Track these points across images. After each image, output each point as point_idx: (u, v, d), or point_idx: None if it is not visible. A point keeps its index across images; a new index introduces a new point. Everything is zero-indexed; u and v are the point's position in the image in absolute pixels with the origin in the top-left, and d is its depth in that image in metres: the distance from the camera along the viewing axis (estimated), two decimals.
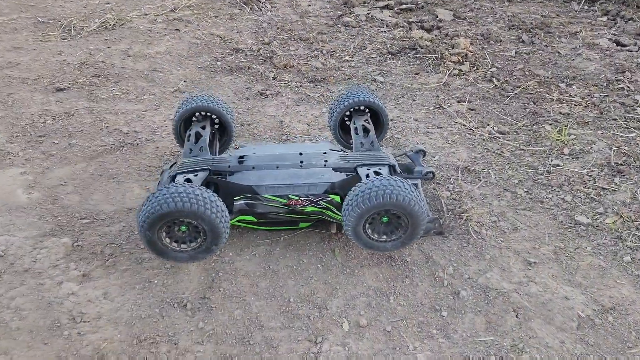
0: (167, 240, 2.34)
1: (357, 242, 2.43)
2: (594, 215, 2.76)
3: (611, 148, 3.29)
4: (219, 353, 2.15)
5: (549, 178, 3.05)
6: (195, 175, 2.57)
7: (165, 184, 2.68)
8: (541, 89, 4.15)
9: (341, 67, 4.74)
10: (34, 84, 4.41)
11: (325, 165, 2.66)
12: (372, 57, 4.90)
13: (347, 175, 2.62)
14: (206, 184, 2.61)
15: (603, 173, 3.06)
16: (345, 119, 3.08)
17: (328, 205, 2.57)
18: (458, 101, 4.05)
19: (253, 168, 2.66)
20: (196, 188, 2.27)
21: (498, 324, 2.20)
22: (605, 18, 5.54)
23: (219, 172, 2.65)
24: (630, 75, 4.25)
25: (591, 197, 2.88)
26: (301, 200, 2.55)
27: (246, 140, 3.61)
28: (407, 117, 3.83)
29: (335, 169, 2.65)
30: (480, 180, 3.09)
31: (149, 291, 2.42)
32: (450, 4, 6.13)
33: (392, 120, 3.71)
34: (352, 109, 3.02)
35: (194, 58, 5.01)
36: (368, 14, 6.01)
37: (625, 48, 4.78)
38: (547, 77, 4.34)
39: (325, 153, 2.75)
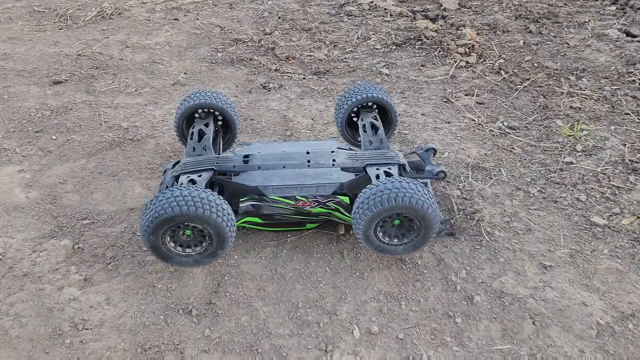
0: (172, 244, 2.26)
1: (367, 246, 2.35)
2: (610, 215, 2.68)
3: (625, 144, 3.20)
4: None
5: (562, 176, 2.97)
6: (199, 176, 2.48)
7: (168, 184, 2.60)
8: (550, 82, 4.05)
9: (345, 58, 4.63)
10: (30, 77, 4.30)
11: (333, 165, 2.58)
12: (377, 48, 4.78)
13: (355, 175, 2.53)
14: (210, 184, 2.52)
15: (617, 171, 2.97)
16: (353, 115, 2.98)
17: (337, 207, 2.49)
18: (466, 94, 3.96)
19: (259, 168, 2.57)
20: (201, 191, 2.18)
21: (514, 331, 2.13)
22: (614, 7, 5.42)
23: (223, 172, 2.56)
24: None
25: (606, 197, 2.80)
26: (309, 201, 2.47)
27: (249, 136, 3.51)
28: (414, 111, 3.74)
29: (343, 169, 2.56)
30: (492, 179, 3.00)
31: (152, 296, 2.35)
32: None
33: (399, 115, 3.60)
34: (359, 106, 2.92)
35: (193, 49, 4.90)
36: (371, 2, 5.88)
37: (635, 39, 4.67)
38: (557, 70, 4.24)
39: (333, 152, 2.66)
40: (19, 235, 2.69)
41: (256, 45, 4.95)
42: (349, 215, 2.50)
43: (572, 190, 2.87)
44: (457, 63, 4.38)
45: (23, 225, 2.75)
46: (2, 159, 3.28)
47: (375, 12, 5.64)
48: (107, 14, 5.59)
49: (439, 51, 4.59)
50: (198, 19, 5.56)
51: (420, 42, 4.77)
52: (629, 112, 3.57)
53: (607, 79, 4.07)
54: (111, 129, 3.60)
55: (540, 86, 4.01)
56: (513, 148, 3.27)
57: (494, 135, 3.42)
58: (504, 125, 3.50)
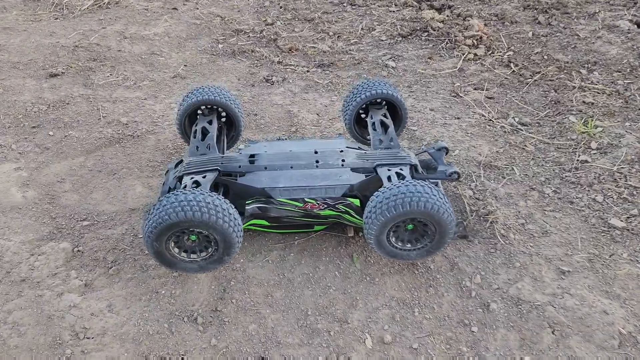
0: (176, 250, 2.17)
1: (379, 251, 2.26)
2: (628, 217, 2.60)
3: None
4: None
5: (578, 175, 2.88)
6: (204, 177, 2.38)
7: (171, 185, 2.50)
8: (561, 75, 3.95)
9: (349, 50, 4.51)
10: (26, 69, 4.18)
11: (342, 165, 2.48)
12: (382, 40, 4.66)
13: (366, 176, 2.44)
14: (214, 185, 2.42)
15: (634, 170, 2.88)
16: (361, 112, 2.88)
17: (346, 209, 2.39)
18: (475, 88, 3.85)
19: (265, 168, 2.47)
20: (207, 194, 2.08)
21: (533, 341, 2.06)
22: None
23: (228, 173, 2.46)
24: None
25: (624, 197, 2.72)
26: (318, 203, 2.37)
27: (253, 132, 3.41)
28: (423, 106, 3.63)
29: (353, 169, 2.46)
30: (504, 178, 2.91)
31: (156, 303, 2.26)
32: None
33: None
34: (368, 102, 2.82)
35: (193, 40, 4.77)
36: None
37: None
38: (567, 62, 4.13)
39: (341, 151, 2.56)
40: (17, 237, 2.59)
41: (258, 36, 4.82)
42: (359, 218, 2.41)
43: (588, 191, 2.78)
44: (465, 55, 4.26)
45: (20, 227, 2.65)
46: None
47: (379, 2, 5.50)
48: (104, 3, 5.45)
49: (446, 43, 4.47)
50: (197, 9, 5.41)
51: (426, 34, 4.65)
52: None
53: (620, 72, 3.97)
54: (110, 125, 3.49)
55: (551, 80, 3.91)
56: (525, 145, 3.17)
57: (505, 131, 3.32)
58: (515, 121, 3.40)
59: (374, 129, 2.72)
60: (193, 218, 2.01)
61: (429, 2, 5.34)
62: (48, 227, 2.66)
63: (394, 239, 2.23)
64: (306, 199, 2.36)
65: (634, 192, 2.74)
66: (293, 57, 4.42)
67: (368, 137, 2.81)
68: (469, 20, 4.76)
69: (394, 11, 5.24)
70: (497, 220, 2.61)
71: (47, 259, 2.46)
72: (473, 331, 2.12)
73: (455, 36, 4.51)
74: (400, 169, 2.42)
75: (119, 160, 3.16)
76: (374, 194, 2.19)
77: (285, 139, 3.30)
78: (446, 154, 2.68)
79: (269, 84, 3.98)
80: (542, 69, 4.04)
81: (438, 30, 4.64)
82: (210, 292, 2.31)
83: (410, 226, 2.21)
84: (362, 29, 4.88)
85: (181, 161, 2.67)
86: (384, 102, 2.85)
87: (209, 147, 2.61)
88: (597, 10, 4.97)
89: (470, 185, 2.86)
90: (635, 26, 4.65)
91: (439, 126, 3.39)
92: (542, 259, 2.41)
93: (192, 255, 2.20)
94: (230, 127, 2.90)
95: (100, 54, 4.42)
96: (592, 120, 3.32)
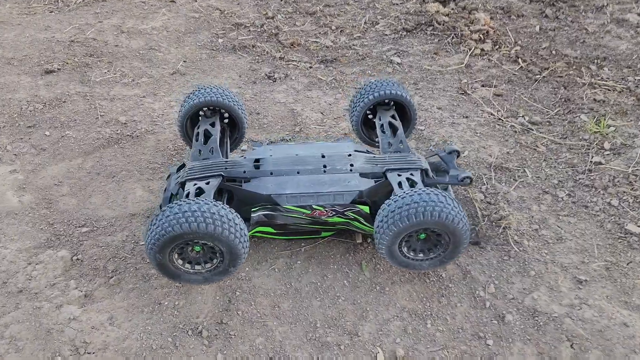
0: (180, 261, 2.08)
1: (390, 261, 2.18)
2: None
3: None
4: None
5: (591, 178, 2.80)
6: (207, 183, 2.28)
7: (173, 191, 2.41)
8: (571, 72, 3.85)
9: (353, 45, 4.40)
10: (21, 65, 4.06)
11: (351, 170, 2.39)
12: (386, 34, 4.55)
13: (375, 182, 2.35)
14: (218, 190, 2.32)
15: None
16: (368, 113, 2.78)
17: (356, 216, 2.31)
18: (483, 85, 3.75)
19: (271, 174, 2.37)
20: (212, 204, 1.99)
21: (551, 356, 1.98)
22: None
23: (233, 179, 2.36)
24: None
25: None
26: (326, 210, 2.28)
27: (255, 132, 3.31)
28: (430, 104, 3.54)
29: (362, 174, 2.37)
30: (516, 181, 2.83)
31: (159, 315, 2.18)
32: None
33: None
34: (376, 103, 2.72)
35: (192, 34, 4.65)
36: None
37: None
38: (576, 58, 4.03)
39: (350, 155, 2.47)
40: (13, 245, 2.50)
41: (258, 30, 4.70)
42: (369, 225, 2.32)
43: (603, 194, 2.70)
44: (471, 51, 4.16)
45: (17, 234, 2.56)
46: None
47: None
48: None
49: (452, 37, 4.36)
50: (196, 1, 5.28)
51: (431, 28, 4.54)
52: None
53: (630, 68, 3.88)
54: (108, 124, 3.39)
55: (560, 76, 3.81)
56: (537, 146, 3.09)
57: (515, 131, 3.23)
58: (525, 120, 3.31)
59: (383, 132, 2.62)
60: (198, 230, 1.92)
61: None
62: (45, 233, 2.57)
63: (405, 248, 2.15)
64: (314, 206, 2.27)
65: None
66: (295, 52, 4.31)
67: (376, 139, 2.72)
68: (474, 14, 4.64)
69: (397, 4, 5.12)
70: (510, 226, 2.53)
71: (45, 268, 2.38)
72: (488, 344, 2.05)
73: (461, 30, 4.40)
74: (411, 174, 2.34)
75: (118, 162, 3.06)
76: (386, 202, 2.11)
77: (289, 139, 3.21)
78: (457, 157, 2.59)
79: (271, 81, 3.88)
80: (551, 64, 3.95)
81: (443, 25, 4.53)
82: (215, 302, 2.23)
83: (422, 235, 2.13)
84: (365, 22, 4.76)
85: (183, 165, 2.58)
86: (392, 103, 2.75)
87: (212, 150, 2.51)
88: (605, 3, 4.86)
89: (481, 188, 2.78)
90: None
91: (447, 125, 3.30)
92: (557, 267, 2.33)
93: (197, 267, 2.11)
94: (233, 129, 2.80)
95: (97, 49, 4.30)
96: (605, 119, 3.23)
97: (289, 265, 2.40)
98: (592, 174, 2.82)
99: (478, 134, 3.21)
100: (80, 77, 3.92)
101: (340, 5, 5.20)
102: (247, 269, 2.38)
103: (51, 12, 5.02)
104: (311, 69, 4.03)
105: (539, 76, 3.82)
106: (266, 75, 3.94)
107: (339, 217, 2.30)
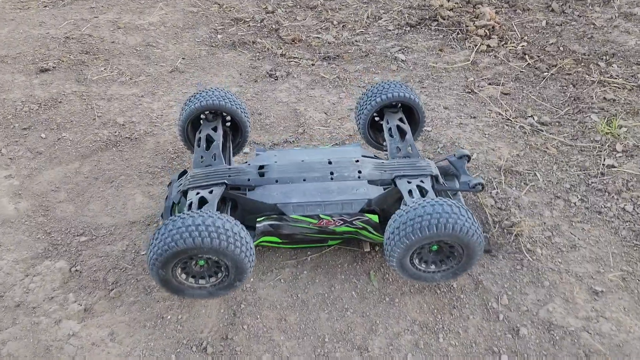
0: (183, 276, 2.00)
1: (401, 274, 2.11)
2: None
3: None
4: None
5: (604, 182, 2.72)
6: (210, 192, 2.20)
7: (174, 200, 2.33)
8: (579, 69, 3.76)
9: (355, 41, 4.29)
10: (15, 63, 3.95)
11: (359, 177, 2.31)
12: (389, 30, 4.44)
13: (384, 189, 2.27)
14: (222, 199, 2.24)
15: None
16: (375, 115, 2.69)
17: (364, 225, 2.23)
18: (489, 83, 3.66)
19: (276, 181, 2.29)
20: (216, 217, 1.91)
21: None
22: None
23: (237, 187, 2.28)
24: None
25: None
26: (334, 220, 2.20)
27: (258, 133, 3.22)
28: (436, 104, 3.45)
29: (370, 181, 2.29)
30: (527, 185, 2.75)
31: (161, 330, 2.10)
32: None
33: None
34: (384, 106, 2.63)
35: (191, 30, 4.54)
36: None
37: None
38: (584, 54, 3.94)
39: (357, 161, 2.38)
40: (9, 255, 2.41)
41: (258, 25, 4.59)
42: (378, 235, 2.25)
43: (617, 199, 2.62)
44: (477, 47, 4.06)
45: (13, 243, 2.48)
46: None
47: None
48: None
49: (457, 33, 4.26)
50: None
51: (436, 23, 4.44)
52: None
53: (639, 65, 3.79)
54: (106, 126, 3.29)
55: (568, 74, 3.72)
56: (547, 148, 3.00)
57: (525, 132, 3.15)
58: (535, 120, 3.22)
59: (391, 135, 2.54)
60: (202, 245, 1.84)
61: None
62: (43, 243, 2.48)
63: (417, 260, 2.07)
64: (321, 216, 2.19)
65: None
66: (296, 48, 4.21)
67: (384, 142, 2.64)
68: (479, 8, 4.54)
69: None
70: (522, 233, 2.46)
71: (42, 280, 2.30)
72: None
73: (467, 26, 4.30)
74: (421, 181, 2.26)
75: (117, 165, 2.97)
76: (396, 212, 2.03)
77: (293, 141, 3.13)
78: (468, 161, 2.51)
79: (272, 79, 3.78)
80: (559, 61, 3.86)
81: (448, 20, 4.42)
82: (219, 316, 2.16)
83: (434, 247, 2.06)
84: (367, 17, 4.65)
85: (185, 172, 2.49)
86: (399, 105, 2.67)
87: (214, 156, 2.43)
88: None
89: (491, 193, 2.70)
90: None
91: (454, 126, 3.21)
92: (572, 277, 2.26)
93: (201, 281, 2.03)
94: (235, 132, 2.71)
95: (93, 46, 4.19)
96: (616, 119, 3.15)
97: (295, 275, 2.33)
98: (605, 178, 2.75)
99: (486, 135, 3.12)
100: (76, 76, 3.81)
101: None
102: (252, 279, 2.30)
103: (45, 7, 4.90)
104: (313, 67, 3.93)
105: (546, 73, 3.73)
106: (267, 73, 3.84)
107: (347, 226, 2.23)
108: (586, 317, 2.10)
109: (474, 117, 3.29)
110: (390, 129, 2.57)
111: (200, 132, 2.54)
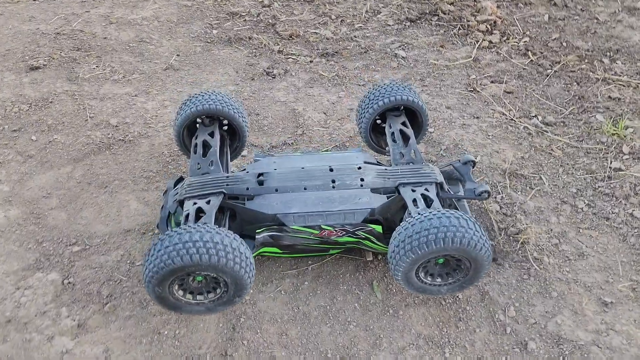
0: (180, 292, 1.93)
1: (406, 287, 2.04)
2: None
3: None
4: None
5: (612, 186, 2.66)
6: (208, 202, 2.12)
7: (170, 210, 2.25)
8: (583, 66, 3.69)
9: (354, 36, 4.19)
10: (4, 61, 3.83)
11: (361, 186, 2.23)
12: (389, 25, 4.34)
13: (387, 197, 2.19)
14: (220, 209, 2.16)
15: None
16: (377, 118, 2.61)
17: (367, 235, 2.16)
18: (492, 81, 3.58)
19: (276, 190, 2.21)
20: (214, 232, 1.83)
21: None
22: None
23: (235, 196, 2.20)
24: None
25: None
26: (336, 230, 2.13)
27: (256, 135, 3.13)
28: (438, 103, 3.36)
29: (373, 190, 2.21)
30: (533, 189, 2.68)
31: (158, 346, 2.03)
32: None
33: None
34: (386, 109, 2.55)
35: (185, 25, 4.41)
36: None
37: None
38: (588, 50, 3.86)
39: (359, 168, 2.30)
40: (0, 267, 2.33)
41: (255, 19, 4.47)
42: (381, 245, 2.18)
43: (625, 204, 2.56)
44: (479, 43, 3.97)
45: (3, 254, 2.39)
46: None
47: None
48: None
49: (458, 28, 4.17)
50: None
51: (436, 18, 4.34)
52: None
53: None
54: (98, 127, 3.19)
55: (572, 71, 3.65)
56: (552, 150, 2.93)
57: (529, 133, 3.07)
58: (539, 121, 3.15)
59: (394, 140, 2.46)
60: (200, 262, 1.77)
61: None
62: (34, 253, 2.40)
63: (423, 273, 2.00)
64: (323, 226, 2.12)
65: None
66: (294, 44, 4.10)
67: (386, 146, 2.56)
68: (480, 2, 4.44)
69: None
70: (529, 240, 2.40)
71: (34, 293, 2.22)
72: None
73: (468, 20, 4.20)
74: (426, 189, 2.18)
75: (110, 170, 2.88)
76: (401, 224, 1.96)
77: (292, 143, 3.04)
78: (473, 167, 2.44)
79: (270, 77, 3.68)
80: (562, 58, 3.77)
81: (449, 14, 4.33)
82: (218, 331, 2.09)
83: (441, 260, 1.99)
84: (366, 11, 4.54)
85: (181, 178, 2.41)
86: (402, 108, 2.59)
87: (211, 163, 2.34)
88: None
89: (496, 198, 2.63)
90: None
91: (457, 127, 3.13)
92: (580, 287, 2.21)
93: (199, 297, 1.96)
94: (233, 137, 2.62)
95: (85, 42, 4.07)
96: (622, 119, 3.08)
97: (296, 287, 2.26)
98: (612, 182, 2.68)
99: (490, 137, 3.05)
100: (68, 74, 3.70)
101: None
102: (251, 291, 2.23)
103: (35, 0, 4.76)
104: (312, 64, 3.84)
105: (550, 71, 3.65)
106: (265, 70, 3.74)
107: (349, 236, 2.16)
108: (596, 330, 2.04)
109: (477, 117, 3.21)
110: (393, 133, 2.48)
111: (196, 138, 2.46)
